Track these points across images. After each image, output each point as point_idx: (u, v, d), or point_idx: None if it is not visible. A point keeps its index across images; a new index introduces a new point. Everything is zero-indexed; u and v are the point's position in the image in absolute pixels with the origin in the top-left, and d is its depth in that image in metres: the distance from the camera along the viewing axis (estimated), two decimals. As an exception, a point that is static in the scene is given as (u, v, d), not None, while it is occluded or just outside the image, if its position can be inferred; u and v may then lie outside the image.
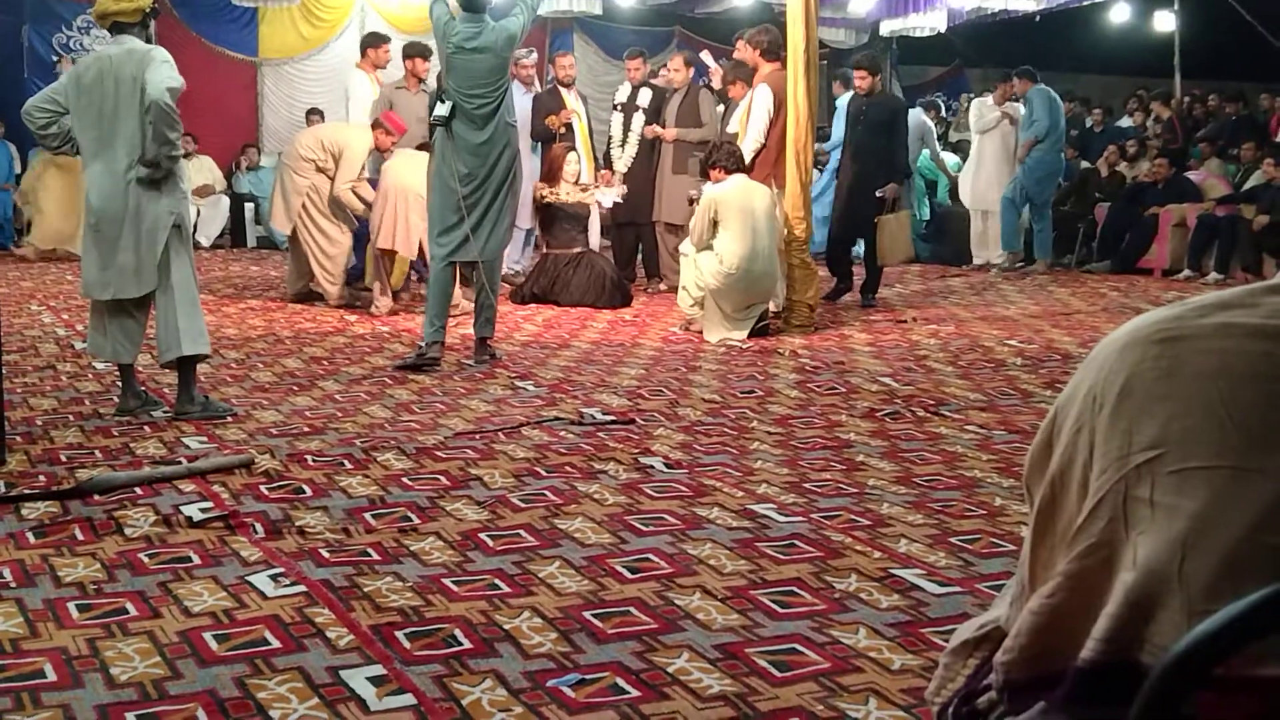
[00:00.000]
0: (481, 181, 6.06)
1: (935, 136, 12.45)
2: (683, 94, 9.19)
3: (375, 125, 8.19)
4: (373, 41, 9.32)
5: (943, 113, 13.58)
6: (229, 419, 4.86)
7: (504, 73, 6.12)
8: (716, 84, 8.95)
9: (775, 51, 7.47)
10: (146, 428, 4.72)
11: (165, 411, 4.96)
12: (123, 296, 4.84)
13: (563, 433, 4.74)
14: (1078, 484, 1.02)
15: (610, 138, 9.51)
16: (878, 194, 8.58)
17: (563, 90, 9.41)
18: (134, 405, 4.94)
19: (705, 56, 9.45)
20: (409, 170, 7.69)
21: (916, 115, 12.09)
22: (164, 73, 4.63)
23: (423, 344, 6.12)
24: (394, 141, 8.24)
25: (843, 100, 10.32)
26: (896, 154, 8.77)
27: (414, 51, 8.89)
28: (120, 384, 5.03)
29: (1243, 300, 1.00)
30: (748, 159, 7.50)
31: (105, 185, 4.74)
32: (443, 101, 6.05)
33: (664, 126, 9.08)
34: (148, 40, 4.88)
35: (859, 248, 9.29)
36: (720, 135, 8.25)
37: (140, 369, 5.18)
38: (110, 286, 4.82)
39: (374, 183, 8.03)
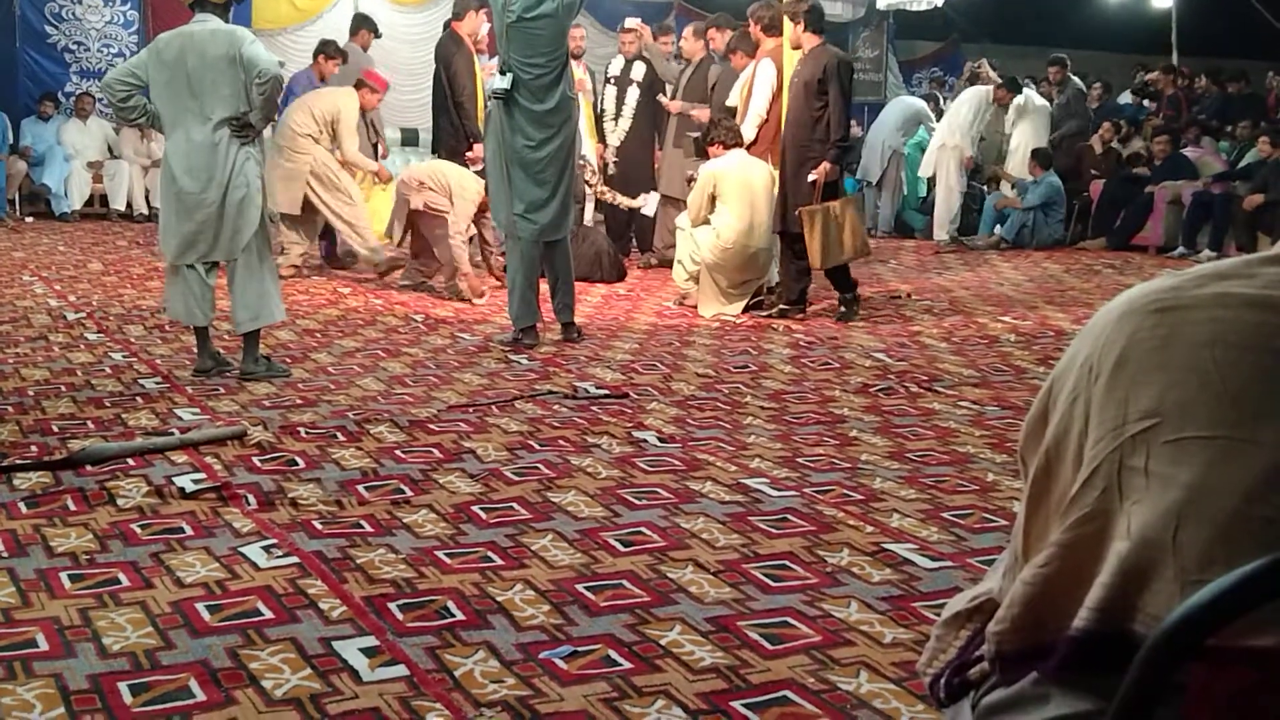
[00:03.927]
0: (549, 152, 5.91)
1: (932, 119, 12.35)
2: (693, 67, 9.05)
3: (359, 85, 8.17)
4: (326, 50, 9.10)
5: (941, 104, 13.40)
6: (222, 392, 4.85)
7: (563, 41, 5.97)
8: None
9: (777, 26, 7.39)
10: (139, 398, 4.71)
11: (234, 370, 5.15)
12: (214, 259, 5.04)
13: (556, 406, 4.74)
14: (1073, 454, 1.01)
15: (603, 111, 9.42)
16: (810, 178, 6.74)
17: (572, 63, 9.30)
18: (210, 366, 5.12)
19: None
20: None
21: (913, 103, 11.98)
22: (265, 51, 4.99)
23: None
24: (380, 99, 8.36)
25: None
26: (831, 122, 6.71)
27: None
28: (196, 346, 5.22)
29: (1240, 271, 0.99)
30: (751, 134, 7.44)
31: (194, 153, 4.93)
32: (502, 74, 5.89)
33: (671, 98, 8.97)
34: (226, 23, 5.05)
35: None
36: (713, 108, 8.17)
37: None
38: (196, 248, 4.99)
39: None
